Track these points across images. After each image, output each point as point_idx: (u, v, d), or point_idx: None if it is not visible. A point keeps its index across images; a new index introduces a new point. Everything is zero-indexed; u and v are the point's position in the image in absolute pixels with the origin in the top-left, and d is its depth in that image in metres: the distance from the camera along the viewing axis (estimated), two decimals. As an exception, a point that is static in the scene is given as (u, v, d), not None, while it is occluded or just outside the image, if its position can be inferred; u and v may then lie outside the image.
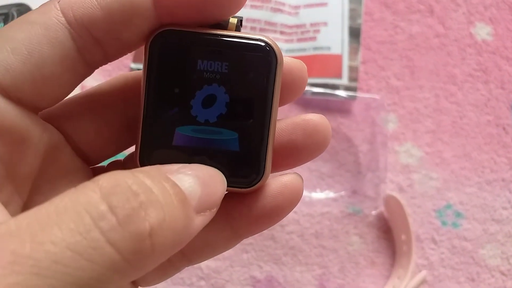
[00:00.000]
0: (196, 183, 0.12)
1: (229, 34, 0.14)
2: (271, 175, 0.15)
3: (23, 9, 0.39)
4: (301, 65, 0.15)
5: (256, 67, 0.14)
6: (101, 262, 0.09)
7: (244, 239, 0.37)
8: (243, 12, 0.43)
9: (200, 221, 0.12)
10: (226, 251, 0.37)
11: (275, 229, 0.38)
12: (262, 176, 0.14)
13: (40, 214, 0.10)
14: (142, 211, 0.10)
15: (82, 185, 0.10)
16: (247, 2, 0.44)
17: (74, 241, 0.09)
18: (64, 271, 0.09)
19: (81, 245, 0.09)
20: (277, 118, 0.15)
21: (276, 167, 0.16)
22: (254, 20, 0.43)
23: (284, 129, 0.15)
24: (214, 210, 0.13)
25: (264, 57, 0.14)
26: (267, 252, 0.37)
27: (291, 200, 0.15)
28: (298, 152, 0.15)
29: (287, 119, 0.15)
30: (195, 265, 0.37)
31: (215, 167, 0.14)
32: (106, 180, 0.10)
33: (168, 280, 0.36)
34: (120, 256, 0.10)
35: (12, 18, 0.39)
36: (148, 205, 0.10)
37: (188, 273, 0.36)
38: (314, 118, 0.15)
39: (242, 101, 0.14)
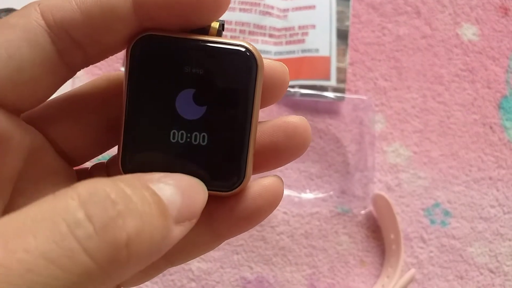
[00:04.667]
0: (176, 193, 0.12)
1: (210, 39, 0.14)
2: (252, 177, 0.15)
3: (13, 15, 0.39)
4: (283, 68, 0.15)
5: (236, 71, 0.14)
6: (75, 271, 0.09)
7: (235, 241, 0.38)
8: (233, 16, 0.44)
9: (179, 231, 0.12)
10: (217, 253, 0.37)
11: (266, 230, 0.38)
12: (243, 179, 0.15)
13: (15, 221, 0.10)
14: (120, 220, 0.10)
15: (61, 192, 0.10)
16: (236, 6, 0.44)
17: (48, 249, 0.09)
18: (36, 280, 0.09)
19: (56, 254, 0.09)
20: (260, 120, 0.15)
21: (258, 169, 0.16)
22: (243, 23, 0.44)
23: (265, 131, 0.15)
24: (194, 220, 0.13)
25: (244, 62, 0.14)
26: (257, 253, 0.38)
27: (271, 202, 0.15)
28: (279, 153, 0.15)
29: (268, 122, 0.15)
30: (186, 267, 0.37)
31: (197, 171, 0.14)
32: (84, 187, 0.10)
33: (159, 282, 0.36)
34: (95, 265, 0.10)
35: (2, 24, 0.40)
36: (126, 214, 0.10)
37: (178, 275, 0.37)
38: (294, 120, 0.15)
39: (223, 105, 0.14)
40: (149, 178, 0.12)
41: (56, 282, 0.09)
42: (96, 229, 0.10)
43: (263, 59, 0.14)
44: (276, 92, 0.15)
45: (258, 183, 0.15)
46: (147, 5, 0.13)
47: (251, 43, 0.14)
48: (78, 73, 0.38)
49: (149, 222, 0.11)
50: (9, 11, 0.41)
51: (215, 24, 0.14)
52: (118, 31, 0.13)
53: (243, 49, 0.14)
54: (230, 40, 0.14)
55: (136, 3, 0.13)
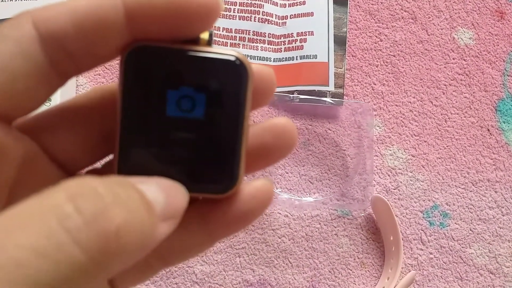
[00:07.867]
0: (159, 192, 0.13)
1: (201, 49, 0.15)
2: (244, 179, 0.16)
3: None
4: (270, 71, 0.16)
5: (227, 79, 0.15)
6: (66, 263, 0.09)
7: (237, 244, 0.38)
8: (232, 23, 0.45)
9: (164, 228, 0.12)
10: (219, 256, 0.38)
11: (267, 233, 0.39)
12: (236, 182, 0.15)
13: (4, 219, 0.10)
14: (109, 211, 0.10)
15: (48, 189, 0.10)
16: (236, 13, 0.45)
17: (38, 244, 0.09)
18: (27, 274, 0.09)
19: (46, 248, 0.09)
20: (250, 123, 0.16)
21: (250, 169, 0.16)
22: (243, 31, 0.45)
23: (255, 133, 0.16)
24: (178, 219, 0.13)
25: (235, 70, 0.15)
26: (259, 256, 0.38)
27: (263, 203, 0.16)
28: (268, 153, 0.16)
29: (257, 124, 0.16)
30: (189, 270, 0.38)
31: (191, 175, 0.15)
32: (72, 183, 0.11)
33: (163, 285, 0.37)
34: (86, 256, 0.10)
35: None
36: (114, 206, 0.10)
37: (182, 278, 0.37)
38: (281, 121, 0.16)
39: (215, 111, 0.15)
40: (133, 180, 0.13)
41: (46, 275, 0.09)
42: (86, 220, 0.10)
43: (251, 65, 0.15)
44: (265, 95, 0.16)
45: (251, 185, 0.16)
46: (139, 17, 0.13)
47: (249, 49, 0.15)
48: (82, 81, 0.39)
49: (137, 214, 0.11)
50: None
51: (205, 35, 0.15)
52: (110, 42, 0.14)
53: (233, 58, 0.15)
54: (220, 49, 0.15)
55: (129, 16, 0.13)
